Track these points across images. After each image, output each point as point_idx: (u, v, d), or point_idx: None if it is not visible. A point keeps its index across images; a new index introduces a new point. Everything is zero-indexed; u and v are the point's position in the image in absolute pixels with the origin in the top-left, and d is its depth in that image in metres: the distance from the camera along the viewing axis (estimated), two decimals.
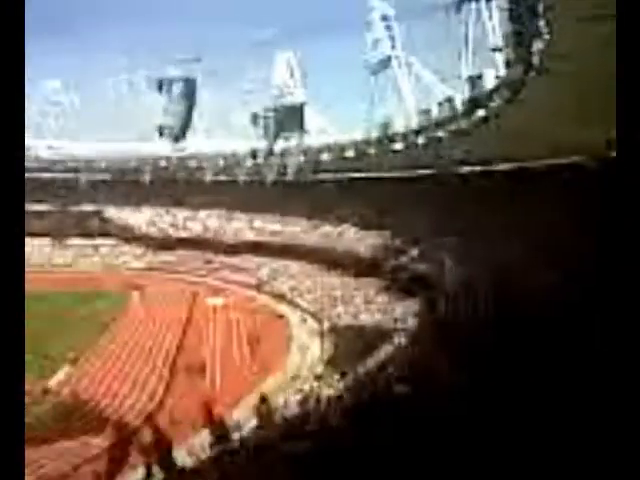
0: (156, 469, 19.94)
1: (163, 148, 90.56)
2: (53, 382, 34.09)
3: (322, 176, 77.35)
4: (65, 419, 28.85)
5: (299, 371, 36.52)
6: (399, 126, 58.18)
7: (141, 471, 21.34)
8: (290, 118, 76.06)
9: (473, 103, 41.18)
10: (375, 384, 22.49)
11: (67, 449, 25.29)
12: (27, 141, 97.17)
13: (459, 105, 44.87)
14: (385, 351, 32.18)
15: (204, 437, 24.24)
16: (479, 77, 40.27)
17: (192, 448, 22.81)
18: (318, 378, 32.67)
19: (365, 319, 45.51)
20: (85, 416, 29.35)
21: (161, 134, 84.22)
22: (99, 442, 25.96)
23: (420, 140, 52.32)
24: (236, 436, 22.99)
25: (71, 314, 51.01)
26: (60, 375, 35.31)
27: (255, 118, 77.85)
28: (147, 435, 26.10)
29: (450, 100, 46.72)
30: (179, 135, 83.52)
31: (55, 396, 32.13)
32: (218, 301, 56.42)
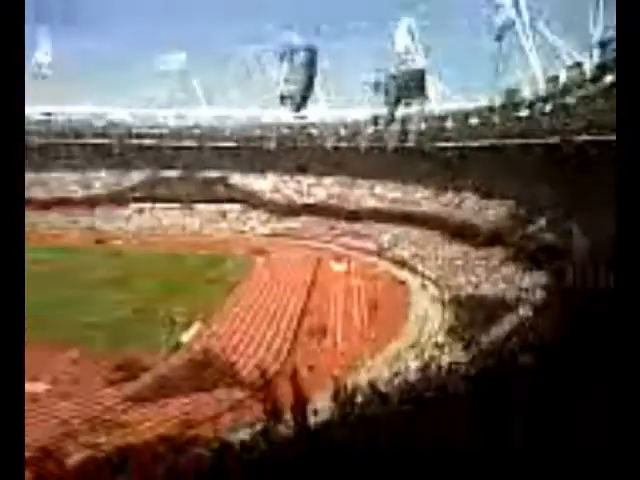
0: (282, 427, 20.65)
1: (286, 116, 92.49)
2: (185, 337, 36.03)
3: (444, 143, 76.00)
4: (197, 374, 30.28)
5: (419, 338, 36.61)
6: (525, 93, 56.41)
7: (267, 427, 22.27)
8: (411, 84, 75.18)
9: (602, 69, 39.06)
10: (499, 354, 22.19)
11: (202, 401, 26.89)
12: (158, 111, 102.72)
13: (587, 71, 42.88)
14: (510, 321, 31.62)
15: (326, 399, 24.88)
16: (610, 41, 38.13)
17: (314, 410, 23.48)
18: (439, 347, 32.62)
19: (487, 289, 44.69)
20: (215, 373, 30.65)
21: (283, 102, 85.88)
22: (227, 398, 27.31)
23: (547, 107, 50.47)
24: (356, 400, 23.48)
25: (200, 276, 53.59)
26: (190, 332, 37.14)
27: (376, 85, 77.59)
28: (275, 394, 27.16)
29: (579, 65, 44.64)
30: (300, 103, 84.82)
31: (187, 351, 33.93)
32: (341, 267, 57.28)
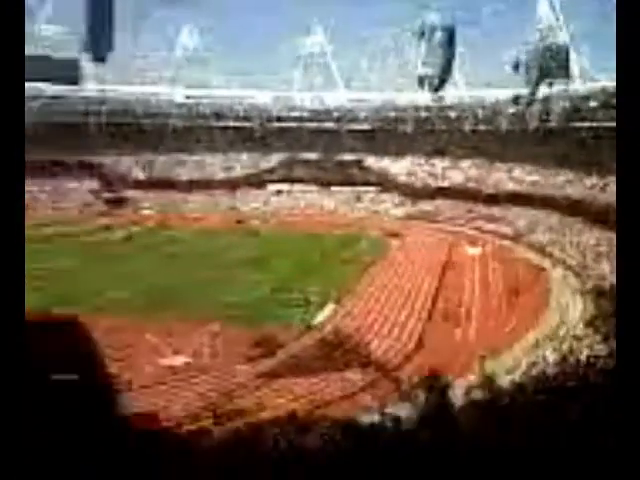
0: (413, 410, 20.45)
1: (423, 98, 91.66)
2: (318, 319, 36.36)
3: (587, 124, 72.32)
4: (329, 353, 30.60)
5: (557, 329, 35.30)
6: None
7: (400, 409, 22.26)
8: (554, 62, 72.09)
9: None
10: None
11: (331, 381, 27.16)
12: (297, 94, 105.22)
13: None
14: None
15: (460, 385, 24.53)
16: None
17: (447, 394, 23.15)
18: (577, 338, 31.40)
19: None
20: (347, 353, 30.90)
21: (421, 84, 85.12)
22: (359, 378, 27.46)
23: None
24: (493, 386, 23.04)
25: (335, 256, 54.76)
26: (325, 312, 37.66)
27: (517, 64, 75.11)
28: (407, 375, 27.20)
29: None
30: (438, 85, 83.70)
31: (321, 330, 34.27)
32: (476, 250, 56.27)
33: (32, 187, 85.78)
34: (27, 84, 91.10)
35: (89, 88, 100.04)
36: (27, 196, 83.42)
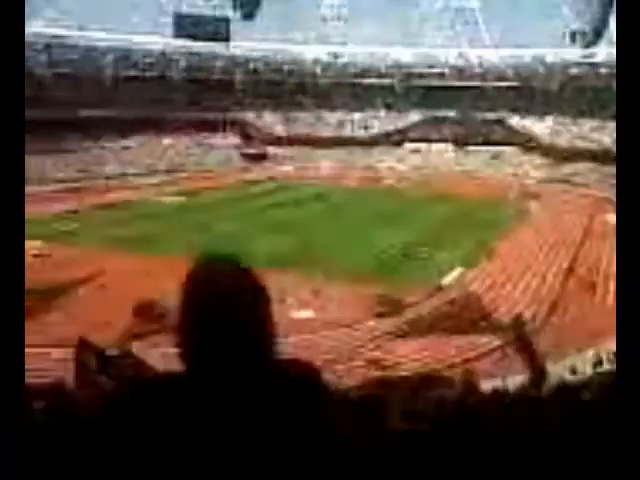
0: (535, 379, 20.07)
1: (572, 55, 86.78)
2: (447, 280, 36.17)
3: None
4: (457, 316, 30.49)
5: None
6: None
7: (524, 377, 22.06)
8: None
9: None
10: None
11: (456, 343, 27.19)
12: (440, 51, 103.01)
13: None
14: None
15: (587, 358, 23.83)
16: None
17: (574, 366, 22.70)
18: None
19: None
20: (475, 316, 30.69)
21: (573, 40, 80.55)
22: (487, 342, 27.41)
23: None
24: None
25: (470, 219, 54.02)
26: (455, 274, 37.35)
27: None
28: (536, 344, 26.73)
29: None
30: (592, 40, 78.81)
31: (448, 293, 33.96)
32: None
33: (179, 142, 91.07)
34: (175, 41, 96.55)
35: (236, 45, 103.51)
36: (172, 152, 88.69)
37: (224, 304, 1.78)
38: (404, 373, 22.84)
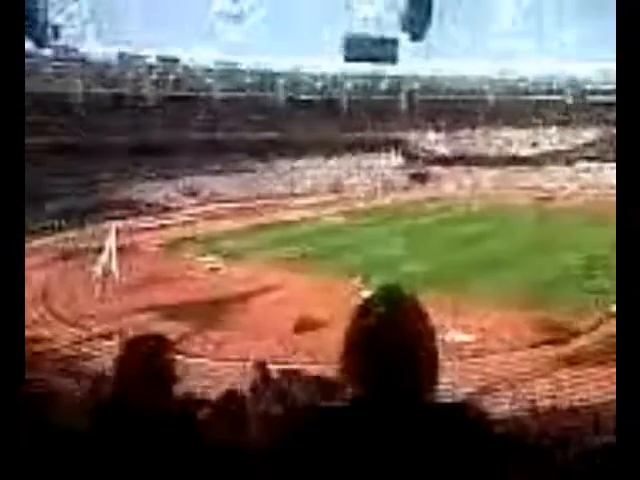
0: None
1: None
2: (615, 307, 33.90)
3: None
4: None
5: None
6: None
7: None
8: None
9: None
10: None
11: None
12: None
13: None
14: None
15: None
16: None
17: None
18: None
19: None
20: None
21: None
22: None
23: None
24: None
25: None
26: None
27: None
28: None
29: None
30: None
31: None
32: None
33: (345, 163, 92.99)
34: (345, 64, 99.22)
35: (404, 65, 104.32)
36: (336, 172, 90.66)
37: (403, 348, 1.88)
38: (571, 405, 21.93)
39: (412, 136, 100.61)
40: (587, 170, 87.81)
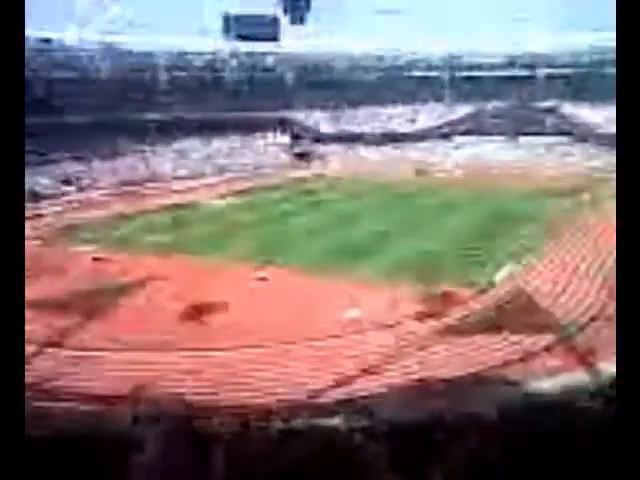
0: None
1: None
2: (497, 278, 35.23)
3: None
4: (504, 316, 29.61)
5: None
6: None
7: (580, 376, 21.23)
8: None
9: None
10: None
11: (505, 343, 26.41)
12: (488, 40, 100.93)
13: None
14: None
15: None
16: None
17: None
18: None
19: None
20: (524, 315, 29.71)
21: None
22: (534, 342, 26.35)
23: None
24: None
25: (520, 214, 52.65)
26: (504, 272, 36.37)
27: None
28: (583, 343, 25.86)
29: None
30: None
31: (497, 292, 33.08)
32: None
33: (229, 143, 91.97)
34: (225, 43, 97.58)
35: (286, 44, 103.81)
36: (221, 153, 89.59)
37: None
38: (445, 372, 22.68)
39: (297, 115, 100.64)
40: (464, 144, 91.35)
